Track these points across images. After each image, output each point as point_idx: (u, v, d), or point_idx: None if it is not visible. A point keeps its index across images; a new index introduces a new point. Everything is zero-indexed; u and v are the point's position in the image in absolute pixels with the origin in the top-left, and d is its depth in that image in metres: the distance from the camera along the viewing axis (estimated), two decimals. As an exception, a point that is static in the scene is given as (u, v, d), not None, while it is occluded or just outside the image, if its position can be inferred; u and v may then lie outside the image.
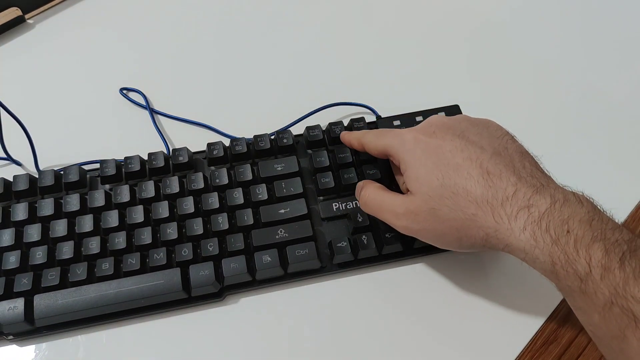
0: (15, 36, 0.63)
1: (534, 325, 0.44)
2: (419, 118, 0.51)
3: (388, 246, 0.44)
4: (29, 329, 0.42)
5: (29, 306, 0.42)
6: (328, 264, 0.45)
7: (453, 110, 0.51)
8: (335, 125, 0.50)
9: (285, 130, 0.51)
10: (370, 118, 0.52)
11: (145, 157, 0.49)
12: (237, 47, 0.62)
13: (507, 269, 0.46)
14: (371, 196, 0.42)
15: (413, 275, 0.46)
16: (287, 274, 0.45)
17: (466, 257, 0.47)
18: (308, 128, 0.50)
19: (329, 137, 0.50)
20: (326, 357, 0.43)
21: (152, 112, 0.56)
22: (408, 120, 0.51)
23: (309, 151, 0.50)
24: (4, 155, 0.52)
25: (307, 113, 0.54)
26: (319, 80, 0.59)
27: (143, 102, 0.57)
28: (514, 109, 0.56)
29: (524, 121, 0.55)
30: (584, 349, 0.43)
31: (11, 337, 0.43)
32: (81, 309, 0.42)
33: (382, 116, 0.53)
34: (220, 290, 0.44)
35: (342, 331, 0.44)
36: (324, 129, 0.50)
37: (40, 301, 0.42)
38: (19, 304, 0.42)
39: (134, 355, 0.43)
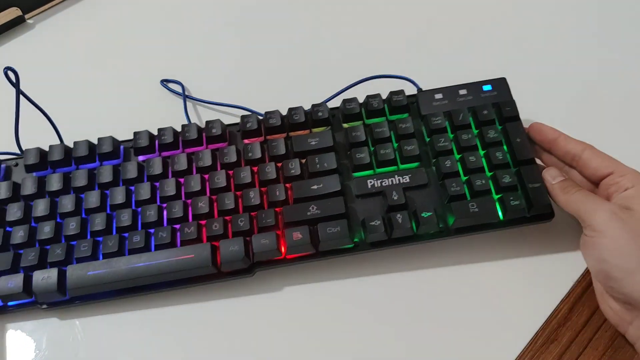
0: (15, 36, 0.63)
1: (535, 325, 0.42)
2: (462, 91, 0.48)
3: (424, 226, 0.42)
4: (61, 299, 0.43)
5: (61, 276, 0.42)
6: (361, 243, 0.44)
7: (499, 84, 0.48)
8: (373, 98, 0.48)
9: (321, 103, 0.49)
10: (410, 91, 0.49)
11: (179, 129, 0.48)
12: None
13: (508, 268, 0.45)
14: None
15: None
16: (319, 252, 0.43)
17: (467, 254, 0.45)
18: (345, 101, 0.48)
19: (367, 110, 0.47)
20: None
21: (186, 98, 0.55)
22: (451, 93, 0.48)
23: (345, 125, 0.48)
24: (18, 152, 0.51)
25: (345, 87, 0.52)
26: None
27: (180, 91, 0.56)
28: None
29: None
30: (584, 348, 0.41)
31: (45, 306, 0.43)
32: (111, 280, 0.42)
33: (423, 89, 0.50)
34: (250, 267, 0.44)
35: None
36: (361, 102, 0.48)
37: (73, 272, 0.42)
38: (52, 274, 0.42)
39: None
